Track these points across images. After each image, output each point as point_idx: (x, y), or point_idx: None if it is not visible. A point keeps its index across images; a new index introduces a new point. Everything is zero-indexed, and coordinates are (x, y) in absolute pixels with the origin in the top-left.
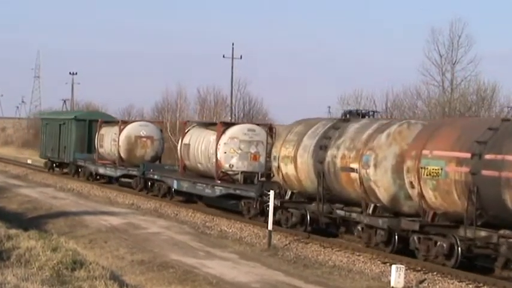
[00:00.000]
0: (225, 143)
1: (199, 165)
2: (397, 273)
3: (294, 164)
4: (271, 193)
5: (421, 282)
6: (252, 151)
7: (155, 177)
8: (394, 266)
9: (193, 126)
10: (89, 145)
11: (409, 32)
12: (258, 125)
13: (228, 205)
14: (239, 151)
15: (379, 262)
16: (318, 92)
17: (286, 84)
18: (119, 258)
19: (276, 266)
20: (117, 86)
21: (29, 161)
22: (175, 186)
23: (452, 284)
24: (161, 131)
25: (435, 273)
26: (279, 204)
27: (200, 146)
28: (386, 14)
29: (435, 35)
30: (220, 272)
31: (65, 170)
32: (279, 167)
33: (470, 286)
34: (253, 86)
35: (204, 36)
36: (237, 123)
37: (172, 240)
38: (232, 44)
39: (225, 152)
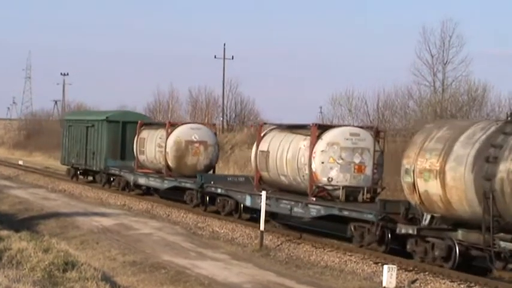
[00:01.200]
0: (322, 151)
1: (282, 177)
2: (389, 274)
3: (441, 180)
4: (263, 193)
5: (413, 282)
6: (356, 161)
7: (218, 191)
8: (386, 266)
9: (273, 129)
10: (122, 151)
11: (400, 32)
12: (361, 127)
13: (326, 227)
14: (340, 161)
15: (371, 262)
16: (309, 92)
17: (278, 84)
18: (111, 259)
19: (267, 266)
20: (108, 87)
21: (21, 162)
22: (247, 202)
23: (444, 284)
24: (215, 134)
25: (427, 273)
26: (414, 232)
27: (285, 154)
28: (378, 14)
29: (426, 35)
30: (212, 273)
31: (90, 178)
32: (414, 183)
33: (462, 286)
34: (244, 87)
35: (196, 37)
36: (337, 126)
37: (164, 241)
38: (224, 45)
39: (323, 162)
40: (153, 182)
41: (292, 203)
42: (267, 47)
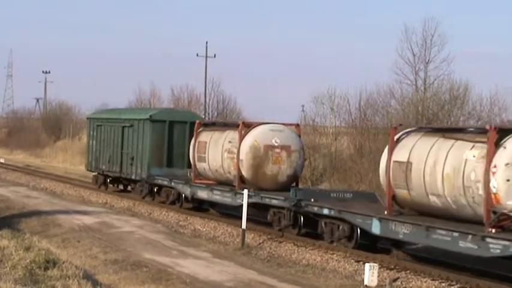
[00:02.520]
0: (507, 164)
1: (433, 198)
2: (370, 272)
3: None
4: (245, 192)
5: (395, 280)
6: None
7: (325, 212)
8: (367, 265)
9: (415, 132)
10: (169, 156)
11: (382, 30)
12: None
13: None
14: None
15: (352, 261)
16: (291, 90)
17: (260, 82)
18: (92, 257)
19: (249, 264)
20: (90, 85)
21: (2, 160)
22: (375, 229)
23: (425, 282)
24: (299, 137)
25: (408, 271)
26: None
27: (439, 167)
28: (359, 13)
29: (408, 34)
30: (194, 271)
31: (121, 187)
32: None
33: (443, 284)
34: (226, 85)
35: (178, 35)
36: None
37: (145, 239)
38: (206, 43)
39: (508, 180)
40: (220, 197)
41: (456, 234)
42: (249, 45)
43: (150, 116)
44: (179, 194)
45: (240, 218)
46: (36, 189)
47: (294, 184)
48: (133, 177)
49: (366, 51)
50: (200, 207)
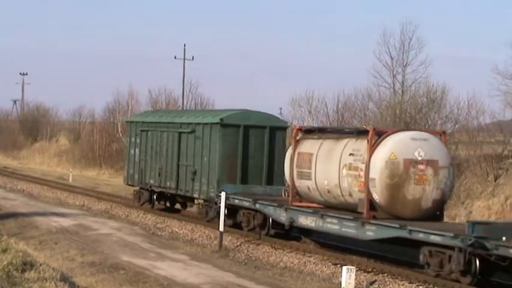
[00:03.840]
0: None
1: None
2: (347, 275)
3: None
4: (222, 194)
5: (372, 283)
6: None
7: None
8: (344, 268)
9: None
10: (244, 170)
11: (360, 34)
12: None
13: None
14: None
15: (330, 263)
16: (270, 93)
17: (238, 85)
18: (70, 259)
19: (227, 267)
20: (68, 87)
21: None
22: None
23: (402, 285)
24: (446, 147)
25: (386, 274)
26: None
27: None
28: (338, 16)
29: (386, 37)
30: (171, 274)
31: (173, 206)
32: None
33: (420, 287)
34: (205, 87)
35: (156, 38)
36: None
37: (123, 242)
38: (184, 45)
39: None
40: (337, 226)
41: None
42: (227, 48)
43: (221, 120)
44: (265, 219)
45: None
46: (14, 191)
47: (438, 212)
48: (196, 195)
49: (346, 55)
50: (285, 233)
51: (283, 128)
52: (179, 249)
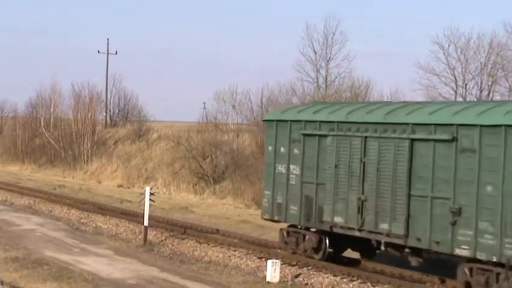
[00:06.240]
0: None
1: None
2: (272, 268)
3: None
4: (147, 189)
5: (297, 276)
6: None
7: None
8: (269, 261)
9: None
10: None
11: (284, 28)
12: None
13: None
14: None
15: (255, 257)
16: (193, 87)
17: (162, 80)
18: None
19: (151, 261)
20: None
21: None
22: None
23: (327, 277)
24: None
25: (310, 267)
26: None
27: None
28: (262, 10)
29: (310, 32)
30: (96, 269)
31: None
32: None
33: (345, 280)
34: (128, 82)
35: (79, 31)
36: None
37: (46, 237)
38: (108, 40)
39: None
40: None
41: None
42: (151, 43)
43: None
44: None
45: None
46: None
47: None
48: (463, 251)
49: (271, 51)
50: None
51: None
52: (103, 244)
